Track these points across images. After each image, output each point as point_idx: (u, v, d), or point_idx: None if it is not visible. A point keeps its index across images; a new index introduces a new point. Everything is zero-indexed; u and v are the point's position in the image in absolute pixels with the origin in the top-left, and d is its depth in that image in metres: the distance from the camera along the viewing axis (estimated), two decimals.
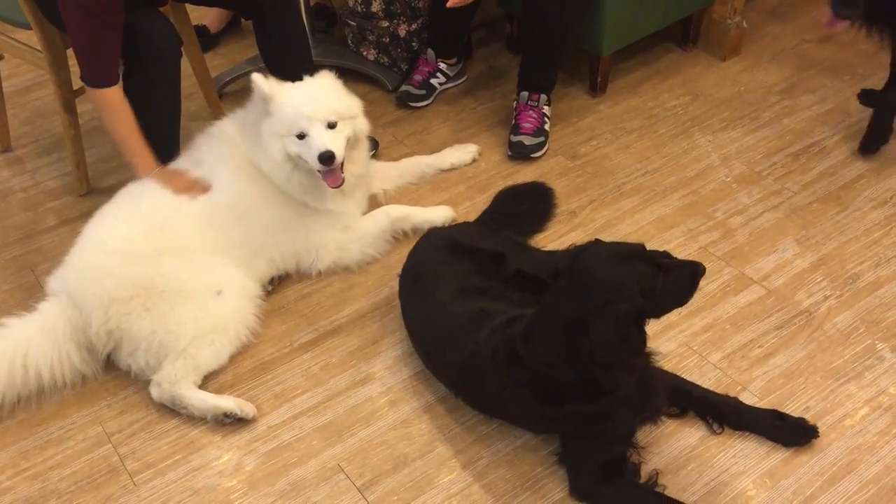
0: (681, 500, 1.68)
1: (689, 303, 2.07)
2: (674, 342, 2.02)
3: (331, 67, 2.24)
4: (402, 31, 2.84)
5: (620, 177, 2.52)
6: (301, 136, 2.07)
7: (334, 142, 2.06)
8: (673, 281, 1.54)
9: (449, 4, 2.36)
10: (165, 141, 2.24)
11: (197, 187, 2.11)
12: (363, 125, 2.20)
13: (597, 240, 1.65)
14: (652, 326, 2.00)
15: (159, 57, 2.16)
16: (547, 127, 2.62)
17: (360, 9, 2.83)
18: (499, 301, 1.87)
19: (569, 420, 1.65)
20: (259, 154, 2.12)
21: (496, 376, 1.71)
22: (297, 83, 2.15)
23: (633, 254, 1.55)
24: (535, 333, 1.61)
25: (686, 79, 2.88)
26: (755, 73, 2.88)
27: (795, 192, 2.41)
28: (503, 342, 1.70)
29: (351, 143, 2.15)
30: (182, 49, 2.28)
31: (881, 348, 1.97)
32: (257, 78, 2.08)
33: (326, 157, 2.04)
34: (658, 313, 1.59)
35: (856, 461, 1.75)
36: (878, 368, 1.93)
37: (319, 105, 2.08)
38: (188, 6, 2.59)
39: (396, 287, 2.07)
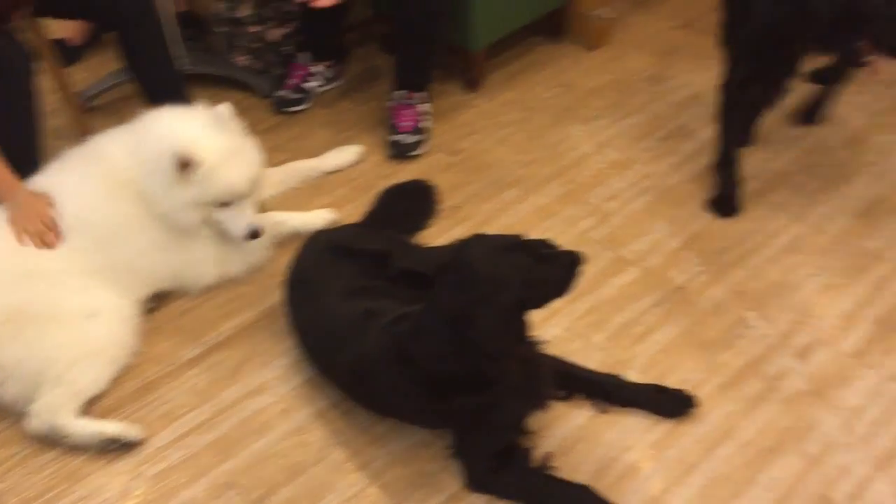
0: (573, 479, 1.73)
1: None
2: (559, 327, 2.08)
3: (203, 76, 2.20)
4: (273, 36, 2.81)
5: (500, 170, 2.56)
6: (224, 204, 2.04)
7: (253, 211, 2.07)
8: (553, 271, 1.59)
9: (315, 5, 2.35)
10: (24, 161, 2.14)
11: (50, 235, 1.98)
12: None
13: (478, 234, 1.68)
14: (537, 314, 2.05)
15: (8, 75, 2.06)
16: (425, 124, 2.64)
17: (227, 15, 2.78)
18: (386, 300, 1.87)
19: (459, 413, 1.67)
20: (158, 198, 2.01)
21: (386, 375, 1.72)
22: (219, 144, 2.00)
23: (513, 246, 1.59)
24: (421, 329, 1.62)
25: (558, 70, 2.96)
26: (623, 62, 2.98)
27: (665, 174, 2.51)
28: (391, 341, 1.70)
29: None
30: (37, 65, 2.18)
31: (750, 317, 2.08)
32: (180, 146, 1.93)
33: (254, 234, 2.05)
34: (540, 303, 1.63)
35: (733, 426, 1.84)
36: (749, 336, 2.03)
37: (251, 181, 2.04)
38: (47, 19, 2.48)
39: (282, 294, 2.05)
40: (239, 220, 2.04)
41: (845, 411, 1.86)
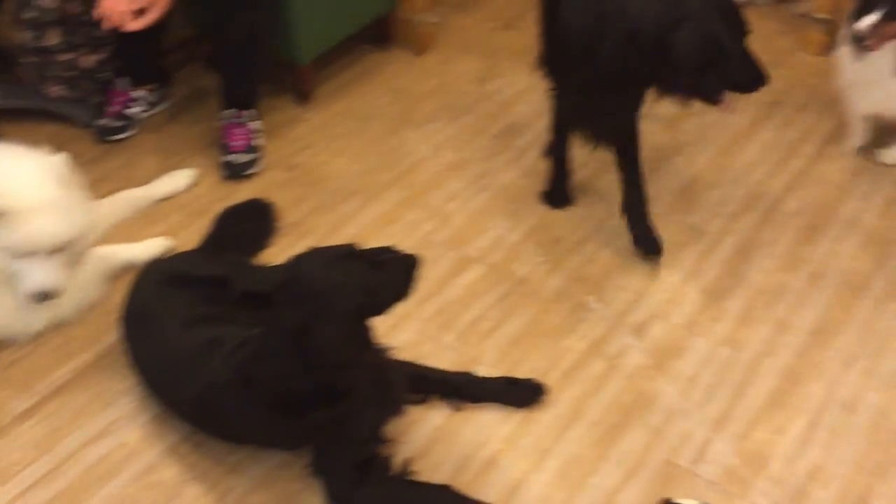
0: (434, 481, 1.75)
1: (419, 292, 2.18)
2: (409, 331, 2.09)
3: (14, 111, 2.06)
4: (87, 63, 2.68)
5: (339, 181, 2.56)
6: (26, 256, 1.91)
7: (54, 272, 1.93)
8: (390, 275, 1.60)
9: (126, 28, 2.26)
10: None
11: None
12: (87, 241, 2.06)
13: (312, 248, 1.67)
14: (387, 320, 2.05)
15: None
16: (258, 142, 2.60)
17: (34, 44, 2.63)
18: (229, 326, 1.83)
19: (313, 429, 1.66)
20: None
21: (236, 402, 1.68)
22: (33, 194, 1.89)
23: (347, 255, 1.59)
24: (264, 351, 1.60)
25: (388, 77, 2.98)
26: (451, 65, 3.04)
27: (500, 171, 2.58)
28: (237, 366, 1.66)
29: (73, 261, 2.01)
30: None
31: (589, 300, 2.17)
32: None
33: (42, 297, 1.92)
34: (381, 309, 1.64)
35: (581, 408, 1.92)
36: (589, 319, 2.12)
37: (59, 238, 1.92)
38: None
39: (119, 331, 1.96)
40: (34, 276, 1.92)
41: (682, 380, 1.97)
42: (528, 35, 3.14)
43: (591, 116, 2.16)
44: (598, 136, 2.18)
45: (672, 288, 2.18)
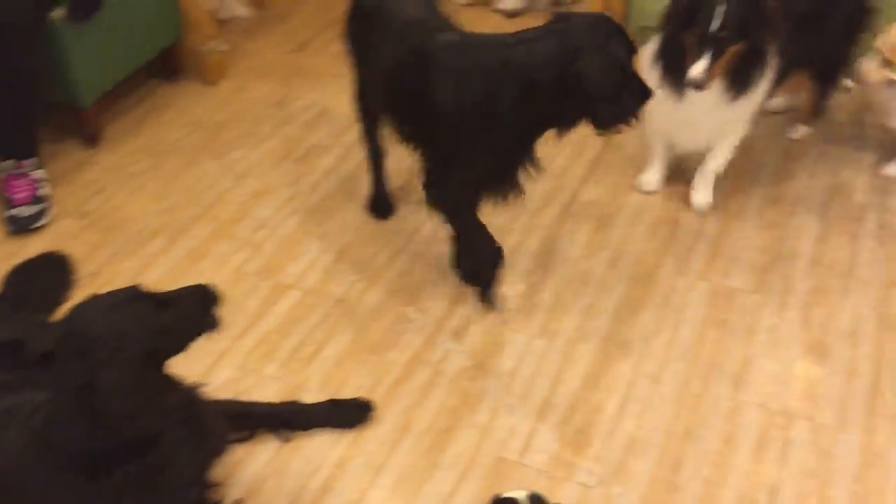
0: None
1: (236, 326, 2.12)
2: (229, 367, 2.03)
3: None
4: None
5: (139, 222, 2.45)
6: None
7: None
8: (183, 312, 1.53)
9: None
10: None
11: None
12: None
13: (90, 295, 1.58)
14: (204, 358, 1.99)
15: None
16: (44, 192, 2.44)
17: None
18: (26, 392, 1.70)
19: (127, 486, 1.57)
20: None
21: (39, 474, 1.56)
22: None
23: (130, 298, 1.51)
24: (55, 412, 1.49)
25: (182, 110, 2.89)
26: (247, 92, 2.99)
27: (308, 194, 2.57)
28: (33, 437, 1.55)
29: None
30: None
31: (409, 311, 2.19)
32: None
33: None
34: (178, 348, 1.57)
35: (410, 419, 1.93)
36: (411, 330, 2.15)
37: None
38: None
39: None
40: None
41: (504, 376, 2.03)
42: (323, 55, 3.17)
43: (493, 177, 2.06)
44: (498, 194, 2.09)
45: None
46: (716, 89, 2.18)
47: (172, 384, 1.56)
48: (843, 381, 1.99)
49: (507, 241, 2.38)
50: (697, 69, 2.08)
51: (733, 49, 2.11)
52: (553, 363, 2.05)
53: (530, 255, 2.35)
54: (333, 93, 2.96)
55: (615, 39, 1.83)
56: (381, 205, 2.46)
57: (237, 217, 2.48)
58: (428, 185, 2.08)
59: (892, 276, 2.24)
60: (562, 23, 1.85)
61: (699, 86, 2.10)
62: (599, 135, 1.94)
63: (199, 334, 1.54)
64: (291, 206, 2.52)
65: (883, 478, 1.79)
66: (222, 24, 3.29)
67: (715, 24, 2.05)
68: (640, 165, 2.62)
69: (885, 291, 2.20)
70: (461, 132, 1.93)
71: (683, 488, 1.78)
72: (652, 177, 2.56)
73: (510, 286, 2.24)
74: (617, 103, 1.84)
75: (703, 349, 2.08)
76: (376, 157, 2.40)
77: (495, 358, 2.07)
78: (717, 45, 2.08)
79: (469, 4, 3.46)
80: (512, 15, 3.36)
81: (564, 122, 1.91)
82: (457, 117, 1.90)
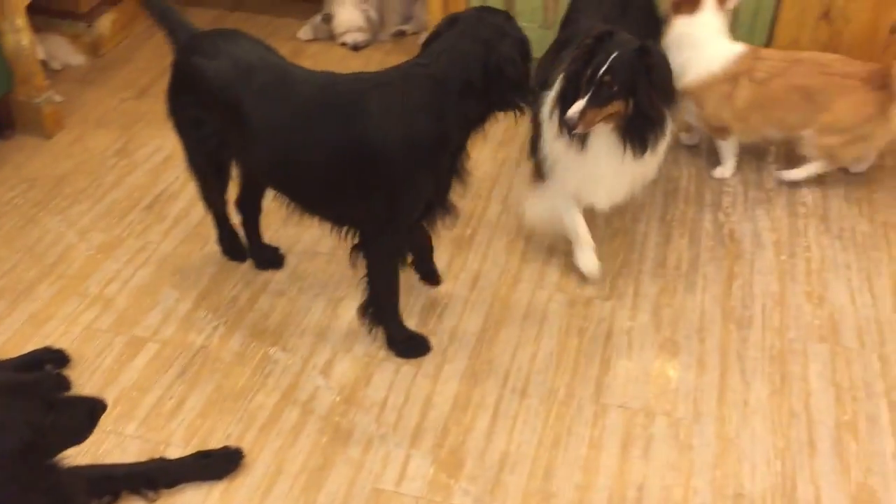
0: None
1: (92, 387, 2.03)
2: None
3: None
4: None
5: None
6: None
7: None
8: (69, 419, 1.48)
9: None
10: None
11: None
12: None
13: None
14: None
15: None
16: None
17: None
18: None
19: None
20: None
21: None
22: None
23: (17, 388, 1.44)
24: None
25: (16, 166, 2.75)
26: (86, 143, 2.88)
27: (159, 242, 2.49)
28: None
29: None
30: None
31: (273, 352, 2.16)
32: None
33: None
34: (55, 452, 1.50)
35: (283, 460, 1.90)
36: (276, 371, 2.11)
37: None
38: None
39: None
40: None
41: (374, 407, 2.02)
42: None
43: (434, 205, 2.03)
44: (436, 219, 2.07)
45: (351, 318, 2.24)
46: (610, 145, 2.15)
47: (42, 478, 1.47)
48: (695, 376, 2.10)
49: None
50: (573, 108, 2.04)
51: (619, 105, 2.06)
52: (422, 388, 2.07)
53: None
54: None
55: (508, 22, 1.91)
56: (235, 248, 2.42)
57: (85, 273, 2.37)
58: (369, 244, 2.02)
59: (730, 271, 2.39)
60: (458, 24, 1.89)
61: (572, 126, 2.05)
62: (519, 117, 1.96)
63: (78, 444, 1.48)
64: (142, 256, 2.44)
65: (737, 462, 1.90)
66: (56, 74, 3.16)
67: (601, 68, 2.02)
68: (490, 187, 2.69)
69: (725, 286, 2.35)
70: (410, 169, 1.89)
71: (557, 496, 1.83)
72: (588, 257, 2.34)
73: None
74: (524, 88, 1.90)
75: (566, 358, 2.14)
76: (219, 203, 2.31)
77: (365, 390, 2.07)
78: (599, 90, 2.03)
79: (311, 40, 3.47)
80: (356, 48, 3.39)
81: (487, 119, 1.94)
82: (406, 154, 1.86)
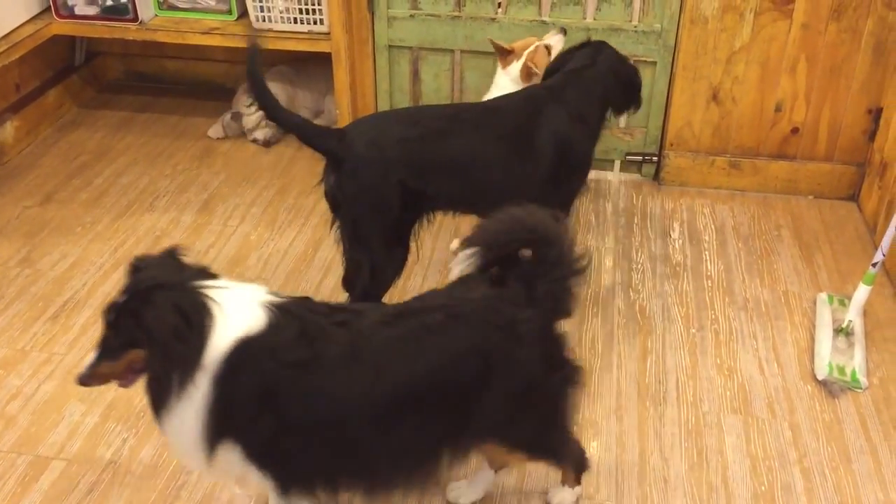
0: None
1: None
2: None
3: None
4: None
5: None
6: None
7: None
8: None
9: None
10: None
11: None
12: None
13: None
14: None
15: None
16: None
17: None
18: None
19: None
20: None
21: None
22: None
23: None
24: None
25: None
26: None
27: (65, 354, 2.40)
28: None
29: None
30: None
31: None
32: None
33: None
34: None
35: None
36: (191, 481, 2.03)
37: None
38: None
39: None
40: None
41: None
42: (71, 205, 3.04)
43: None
44: None
45: None
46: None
47: None
48: (615, 456, 2.11)
49: None
50: (84, 364, 1.60)
51: (132, 354, 1.56)
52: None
53: None
54: (86, 242, 2.83)
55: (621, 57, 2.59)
56: None
57: None
58: None
59: (643, 347, 2.44)
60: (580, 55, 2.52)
61: (85, 383, 1.61)
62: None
63: None
64: (47, 369, 2.35)
65: None
66: None
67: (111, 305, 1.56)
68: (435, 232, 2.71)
69: (639, 363, 2.39)
70: (589, 159, 2.49)
71: None
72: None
73: None
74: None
75: None
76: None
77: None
78: (108, 333, 1.58)
79: (222, 138, 3.48)
80: (267, 144, 3.41)
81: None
82: (588, 149, 2.45)
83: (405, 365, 1.60)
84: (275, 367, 1.55)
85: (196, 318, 1.51)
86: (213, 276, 1.63)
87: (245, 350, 1.53)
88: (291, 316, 1.59)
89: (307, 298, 1.71)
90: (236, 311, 1.55)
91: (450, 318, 1.62)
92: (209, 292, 1.55)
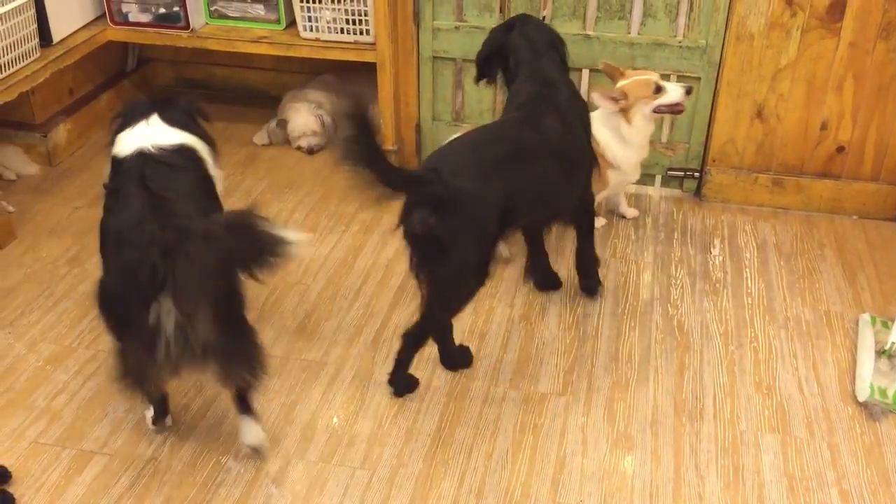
0: None
1: (34, 503, 1.96)
2: None
3: None
4: None
5: None
6: None
7: None
8: None
9: None
10: None
11: None
12: None
13: None
14: None
15: None
16: None
17: None
18: None
19: None
20: None
21: None
22: None
23: None
24: None
25: None
26: (38, 252, 2.87)
27: (110, 351, 2.45)
28: None
29: None
30: None
31: (225, 461, 2.12)
32: None
33: None
34: None
35: None
36: (228, 480, 2.07)
37: None
38: None
39: None
40: None
41: None
42: None
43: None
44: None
45: (304, 423, 2.22)
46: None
47: None
48: (650, 470, 2.10)
49: (320, 375, 2.38)
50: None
51: None
52: (378, 493, 2.04)
53: (346, 384, 2.36)
54: None
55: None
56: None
57: (32, 386, 2.33)
58: (582, 217, 2.63)
59: (681, 363, 2.43)
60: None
61: None
62: None
63: None
64: (92, 366, 2.41)
65: None
66: (8, 184, 3.18)
67: None
68: None
69: (676, 378, 2.38)
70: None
71: None
72: None
73: (328, 418, 2.23)
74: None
75: (521, 455, 2.14)
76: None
77: (319, 497, 2.03)
78: None
79: (267, 145, 3.54)
80: (311, 152, 3.46)
81: None
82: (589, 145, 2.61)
83: None
84: None
85: None
86: None
87: None
88: None
89: None
90: None
91: None
92: None
